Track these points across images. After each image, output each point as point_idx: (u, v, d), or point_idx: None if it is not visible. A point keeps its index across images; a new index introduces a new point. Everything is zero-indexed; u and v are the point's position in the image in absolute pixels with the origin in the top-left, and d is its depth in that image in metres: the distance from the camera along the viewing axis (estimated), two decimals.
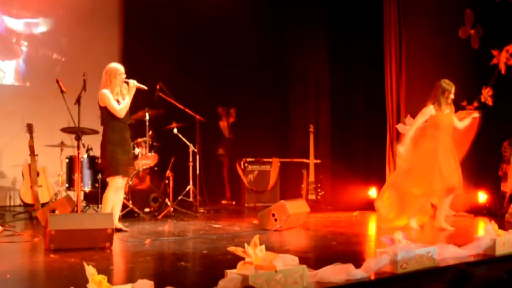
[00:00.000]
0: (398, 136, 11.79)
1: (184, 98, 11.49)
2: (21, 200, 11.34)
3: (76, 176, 10.05)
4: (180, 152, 11.32)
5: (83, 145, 8.96)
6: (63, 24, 12.93)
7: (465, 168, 8.94)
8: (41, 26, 12.95)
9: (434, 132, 8.77)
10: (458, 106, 9.55)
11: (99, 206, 10.46)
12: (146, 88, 8.67)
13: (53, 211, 8.92)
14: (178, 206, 10.85)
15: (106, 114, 8.26)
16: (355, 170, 12.61)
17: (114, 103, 8.17)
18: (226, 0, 12.51)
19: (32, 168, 10.78)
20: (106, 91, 8.17)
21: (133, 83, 8.30)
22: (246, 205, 12.70)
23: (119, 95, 8.31)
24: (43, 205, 10.57)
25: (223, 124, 13.61)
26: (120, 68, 8.35)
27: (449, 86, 8.71)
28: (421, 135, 8.95)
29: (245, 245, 5.01)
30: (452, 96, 8.78)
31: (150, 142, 10.83)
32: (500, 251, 6.74)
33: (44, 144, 11.24)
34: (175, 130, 11.21)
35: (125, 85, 8.39)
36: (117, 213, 8.71)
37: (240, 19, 13.13)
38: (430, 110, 8.72)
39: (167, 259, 6.82)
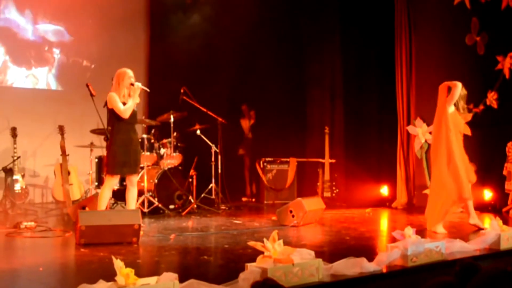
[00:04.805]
0: (409, 137, 11.82)
1: (207, 101, 11.50)
2: (53, 198, 11.42)
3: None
4: (203, 152, 11.30)
5: None
6: (92, 32, 12.92)
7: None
8: (72, 35, 12.99)
9: (448, 131, 8.06)
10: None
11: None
12: (148, 90, 8.71)
13: (83, 208, 8.93)
14: (201, 203, 10.84)
15: (113, 116, 8.13)
16: (367, 169, 12.61)
17: (120, 104, 8.01)
18: (248, 7, 12.49)
19: (64, 167, 10.83)
20: (113, 94, 8.05)
21: (138, 85, 8.16)
22: (265, 202, 12.69)
23: (126, 98, 8.14)
24: (74, 202, 10.62)
25: (244, 122, 13.57)
26: (129, 72, 8.19)
27: (463, 93, 8.25)
28: (441, 134, 8.18)
29: (264, 240, 5.02)
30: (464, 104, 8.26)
31: (175, 143, 10.85)
32: (504, 245, 6.77)
33: (74, 144, 11.31)
34: (198, 132, 11.22)
35: (132, 88, 8.27)
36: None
37: (260, 27, 13.13)
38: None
39: (191, 253, 6.84)
